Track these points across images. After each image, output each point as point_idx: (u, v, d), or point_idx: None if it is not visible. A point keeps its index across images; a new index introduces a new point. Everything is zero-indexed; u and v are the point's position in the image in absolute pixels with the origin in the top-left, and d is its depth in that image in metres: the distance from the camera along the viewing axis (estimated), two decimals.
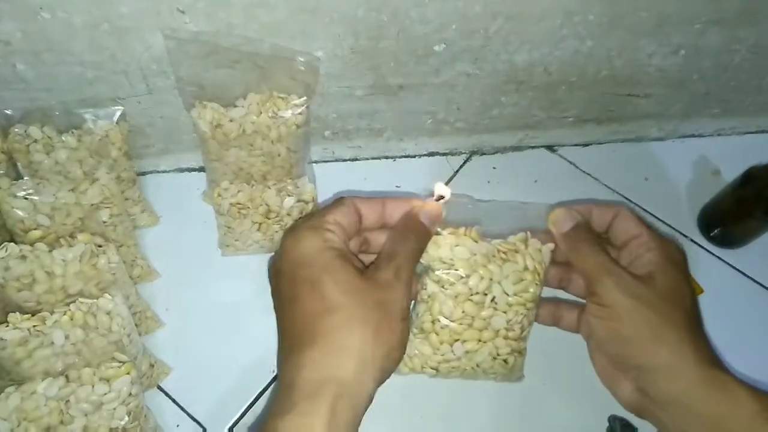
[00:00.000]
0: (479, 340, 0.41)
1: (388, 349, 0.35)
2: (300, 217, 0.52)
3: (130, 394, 0.41)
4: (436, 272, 0.40)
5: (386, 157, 0.63)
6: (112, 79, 0.48)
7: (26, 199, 0.43)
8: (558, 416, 0.49)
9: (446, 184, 0.61)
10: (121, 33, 0.44)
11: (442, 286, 0.40)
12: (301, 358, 0.34)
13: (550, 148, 0.65)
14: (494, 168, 0.63)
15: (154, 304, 0.51)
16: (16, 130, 0.45)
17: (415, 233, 0.39)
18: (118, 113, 0.48)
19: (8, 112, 0.46)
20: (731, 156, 0.62)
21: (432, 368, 0.42)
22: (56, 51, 0.44)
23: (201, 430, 0.47)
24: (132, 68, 0.47)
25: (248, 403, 0.48)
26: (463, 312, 0.40)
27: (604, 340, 0.39)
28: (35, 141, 0.46)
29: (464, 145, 0.63)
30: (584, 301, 0.43)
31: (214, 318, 0.52)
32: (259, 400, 0.49)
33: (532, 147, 0.64)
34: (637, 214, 0.42)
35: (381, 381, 0.35)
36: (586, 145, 0.65)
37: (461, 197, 0.43)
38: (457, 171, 0.63)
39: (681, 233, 0.60)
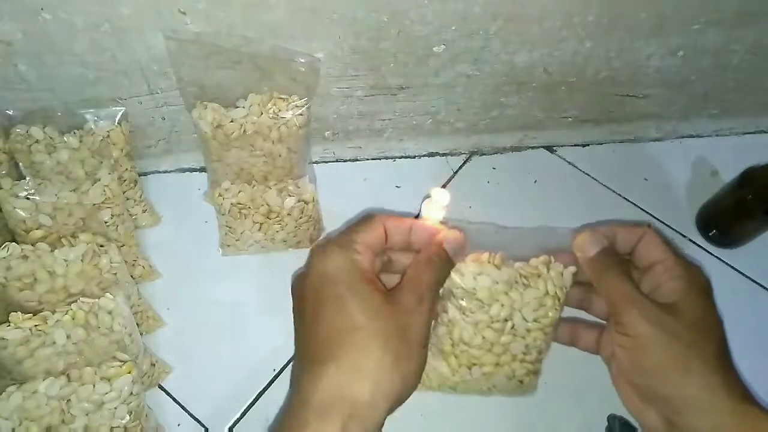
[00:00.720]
0: (497, 364, 0.41)
1: (405, 375, 0.35)
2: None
3: (131, 394, 0.41)
4: (458, 300, 0.40)
5: (386, 158, 0.63)
6: (114, 79, 0.48)
7: (28, 199, 0.44)
8: (558, 416, 0.50)
9: (446, 184, 0.62)
10: (122, 34, 0.44)
11: (464, 313, 0.40)
12: (319, 373, 0.34)
13: (550, 148, 0.65)
14: (494, 168, 0.63)
15: (156, 303, 0.51)
16: (18, 130, 0.45)
17: (440, 261, 0.39)
18: (120, 114, 0.49)
19: (10, 112, 0.46)
20: (729, 156, 0.62)
21: (450, 387, 0.43)
22: (57, 51, 0.45)
23: (202, 429, 0.47)
24: (133, 69, 0.47)
25: (249, 402, 0.49)
26: (483, 338, 0.41)
27: (628, 369, 0.39)
28: (37, 141, 0.46)
29: (464, 145, 0.63)
30: (603, 321, 0.43)
31: (215, 317, 0.52)
32: (260, 399, 0.49)
33: (532, 147, 0.65)
34: (663, 236, 0.42)
35: (394, 407, 0.35)
36: (586, 145, 0.66)
37: (487, 225, 0.44)
38: (457, 171, 0.63)
39: (680, 233, 0.60)
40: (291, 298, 0.40)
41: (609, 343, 0.41)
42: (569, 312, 0.45)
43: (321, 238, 0.43)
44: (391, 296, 0.37)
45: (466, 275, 0.40)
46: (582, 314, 0.46)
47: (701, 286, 0.39)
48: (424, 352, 0.37)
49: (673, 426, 0.37)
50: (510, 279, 0.40)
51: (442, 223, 0.42)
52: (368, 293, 0.36)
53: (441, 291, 0.41)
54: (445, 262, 0.39)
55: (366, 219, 0.40)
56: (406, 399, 0.36)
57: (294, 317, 0.39)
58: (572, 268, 0.41)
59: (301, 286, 0.38)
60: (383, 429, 0.35)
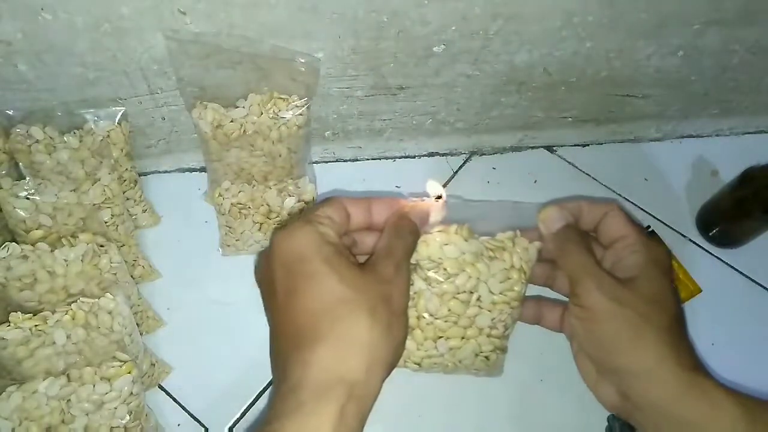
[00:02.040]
0: (463, 338, 0.41)
1: (396, 344, 0.35)
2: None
3: (131, 394, 0.41)
4: (425, 270, 0.40)
5: (386, 158, 0.63)
6: (114, 79, 0.48)
7: (28, 199, 0.44)
8: (557, 415, 0.50)
9: (446, 184, 0.62)
10: (122, 34, 0.44)
11: (429, 284, 0.40)
12: (308, 355, 0.32)
13: (550, 148, 0.65)
14: (494, 168, 0.63)
15: (156, 303, 0.51)
16: (18, 130, 0.45)
17: (410, 231, 0.39)
18: (120, 114, 0.49)
19: (10, 112, 0.46)
20: (729, 156, 0.62)
21: (415, 363, 0.42)
22: (57, 52, 0.45)
23: (202, 429, 0.47)
24: (133, 69, 0.47)
25: (249, 402, 0.49)
26: (449, 310, 0.40)
27: (584, 341, 0.39)
28: (37, 141, 0.46)
29: (464, 145, 0.63)
30: (567, 299, 0.43)
31: (215, 317, 0.52)
32: (260, 399, 0.49)
33: (532, 147, 0.65)
34: (628, 213, 0.42)
35: (385, 378, 0.35)
36: (586, 145, 0.66)
37: (453, 198, 0.43)
38: (457, 171, 0.63)
39: (680, 233, 0.60)
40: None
41: (569, 321, 0.41)
42: (534, 290, 0.45)
43: None
44: (367, 267, 0.36)
45: (432, 245, 0.40)
46: (547, 293, 0.45)
47: (659, 262, 0.39)
48: (406, 320, 0.37)
49: (627, 399, 0.37)
50: (477, 251, 0.40)
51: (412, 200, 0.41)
52: (345, 265, 0.34)
53: None
54: (412, 232, 0.39)
55: (327, 200, 0.38)
56: (395, 367, 0.36)
57: (264, 303, 0.37)
58: (537, 243, 0.42)
59: (269, 269, 0.36)
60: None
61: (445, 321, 0.40)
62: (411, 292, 0.40)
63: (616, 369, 0.37)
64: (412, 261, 0.40)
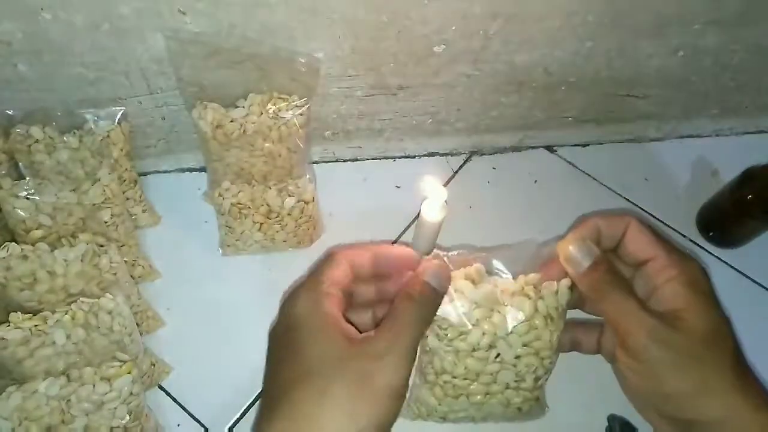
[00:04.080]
0: (487, 393, 0.37)
1: (366, 426, 0.32)
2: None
3: (131, 394, 0.41)
4: (435, 326, 0.37)
5: (386, 158, 0.63)
6: (113, 79, 0.48)
7: (28, 199, 0.44)
8: (557, 415, 0.49)
9: (446, 184, 0.62)
10: (122, 34, 0.44)
11: (441, 341, 0.37)
12: (273, 424, 0.32)
13: (550, 148, 0.65)
14: (494, 168, 0.63)
15: (155, 303, 0.51)
16: (18, 130, 0.45)
17: (420, 297, 0.35)
18: (120, 113, 0.49)
19: (10, 112, 0.46)
20: (730, 156, 0.62)
21: (439, 418, 0.40)
22: (57, 51, 0.45)
23: (202, 429, 0.47)
24: (133, 69, 0.47)
25: (249, 402, 0.49)
26: (466, 368, 0.37)
27: (644, 394, 0.36)
28: (37, 141, 0.46)
29: (464, 145, 0.63)
30: (600, 317, 0.40)
31: (215, 317, 0.52)
32: (260, 399, 0.49)
33: (532, 147, 0.65)
34: (647, 223, 0.38)
35: None
36: (586, 145, 0.66)
37: (463, 249, 0.38)
38: (457, 171, 0.63)
39: (680, 233, 0.60)
40: None
41: (610, 344, 0.39)
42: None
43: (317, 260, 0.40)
44: (361, 340, 0.34)
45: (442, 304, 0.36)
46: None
47: (699, 285, 0.36)
48: (391, 402, 0.33)
49: None
50: (491, 297, 0.36)
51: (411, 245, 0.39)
52: (330, 337, 0.33)
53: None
54: (427, 297, 0.35)
55: (329, 257, 0.37)
56: None
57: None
58: (566, 281, 0.37)
59: (272, 332, 0.36)
60: None
61: (464, 379, 0.37)
62: (427, 348, 0.38)
63: (684, 421, 0.35)
64: None
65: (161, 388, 0.49)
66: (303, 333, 0.33)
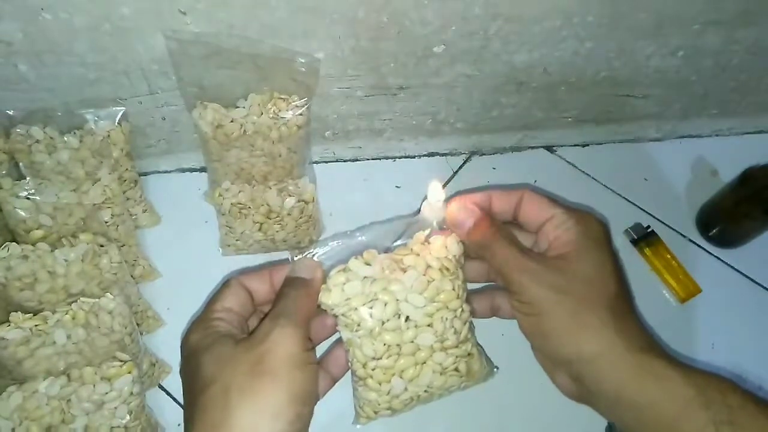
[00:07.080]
0: (416, 364, 0.37)
1: (278, 402, 0.32)
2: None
3: (132, 393, 0.41)
4: (342, 318, 0.37)
5: (386, 158, 0.63)
6: (114, 79, 0.48)
7: (28, 199, 0.44)
8: (557, 415, 0.50)
9: (446, 184, 0.62)
10: (123, 34, 0.44)
11: (353, 330, 0.37)
12: None
13: (550, 148, 0.65)
14: (494, 168, 0.63)
15: (156, 303, 0.51)
16: (18, 130, 0.45)
17: (293, 287, 0.36)
18: (120, 114, 0.49)
19: (10, 112, 0.46)
20: (729, 156, 0.62)
21: (386, 410, 0.39)
22: (58, 52, 0.45)
23: None
24: (133, 69, 0.47)
25: None
26: (384, 345, 0.36)
27: (531, 335, 0.37)
28: (37, 141, 0.46)
29: (464, 145, 0.63)
30: None
31: None
32: None
33: (532, 147, 0.65)
34: (544, 192, 0.39)
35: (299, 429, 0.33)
36: (585, 145, 0.66)
37: (337, 235, 0.39)
38: (457, 171, 0.63)
39: (680, 233, 0.60)
40: None
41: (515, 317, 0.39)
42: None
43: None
44: (248, 335, 0.35)
45: (333, 290, 0.36)
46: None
47: (594, 234, 0.37)
48: (302, 370, 0.33)
49: (581, 385, 0.36)
50: (384, 269, 0.37)
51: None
52: (221, 346, 0.34)
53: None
54: (299, 285, 0.36)
55: (224, 286, 0.38)
56: (309, 416, 0.33)
57: None
58: (454, 235, 0.38)
59: (180, 372, 0.36)
60: None
61: (388, 357, 0.37)
62: (346, 347, 0.38)
63: (565, 359, 0.35)
64: (330, 314, 0.38)
65: (161, 387, 0.49)
66: (198, 356, 0.34)
